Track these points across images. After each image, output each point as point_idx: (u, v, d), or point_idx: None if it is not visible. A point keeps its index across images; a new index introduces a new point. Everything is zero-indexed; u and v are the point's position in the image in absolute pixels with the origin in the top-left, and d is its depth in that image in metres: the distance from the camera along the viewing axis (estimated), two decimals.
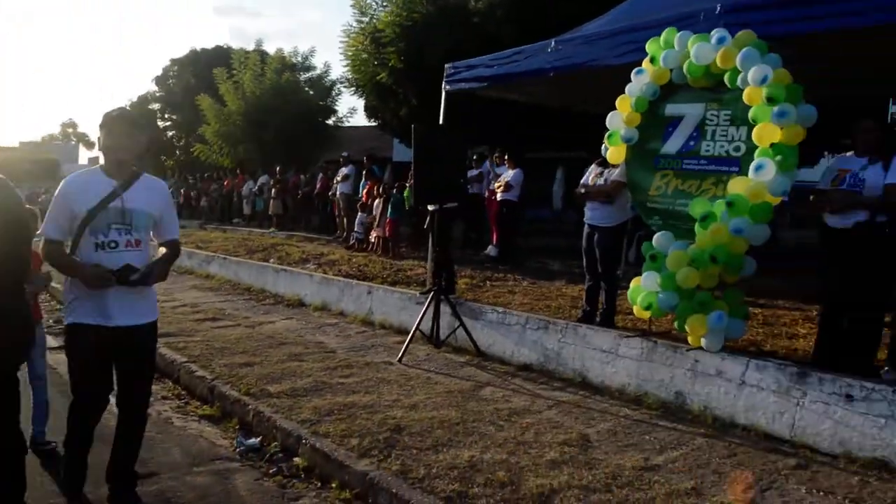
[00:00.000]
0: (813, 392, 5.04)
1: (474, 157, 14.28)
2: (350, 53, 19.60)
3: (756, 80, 5.40)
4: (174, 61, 44.41)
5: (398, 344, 7.50)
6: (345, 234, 16.59)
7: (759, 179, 5.43)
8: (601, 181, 7.28)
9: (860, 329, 5.47)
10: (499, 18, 15.17)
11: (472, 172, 13.64)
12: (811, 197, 5.73)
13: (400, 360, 7.12)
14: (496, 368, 6.97)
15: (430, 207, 8.14)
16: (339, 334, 8.51)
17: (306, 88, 29.14)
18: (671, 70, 6.13)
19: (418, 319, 7.50)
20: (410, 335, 7.38)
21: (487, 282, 10.26)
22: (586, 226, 7.42)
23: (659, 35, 6.13)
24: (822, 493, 4.29)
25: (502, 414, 5.61)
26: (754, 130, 5.49)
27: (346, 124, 30.05)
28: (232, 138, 27.37)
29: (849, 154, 5.74)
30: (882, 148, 5.51)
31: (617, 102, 6.53)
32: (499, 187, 12.66)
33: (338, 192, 16.92)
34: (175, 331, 8.68)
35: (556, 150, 19.05)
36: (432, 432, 5.20)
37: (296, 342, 8.11)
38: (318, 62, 64.19)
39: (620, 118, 6.53)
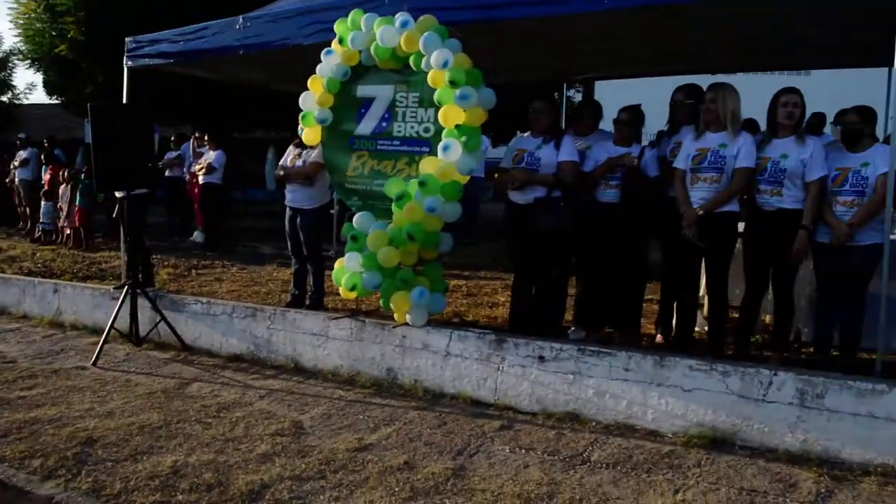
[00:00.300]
0: (510, 357, 5.29)
1: (172, 139, 13.40)
2: (22, 22, 17.50)
3: (438, 63, 5.49)
4: None
5: (93, 346, 6.79)
6: (28, 225, 14.91)
7: (447, 159, 5.55)
8: (300, 163, 7.10)
9: (548, 294, 5.85)
10: None
11: (171, 154, 12.81)
12: (495, 175, 6.01)
13: (94, 364, 6.44)
14: (204, 362, 6.56)
15: (117, 194, 7.43)
16: (22, 340, 7.48)
17: None
18: (360, 52, 6.05)
19: (112, 317, 6.82)
20: (105, 335, 6.70)
21: (193, 270, 9.74)
22: (288, 208, 7.23)
23: (346, 16, 6.01)
24: (524, 451, 4.51)
25: (210, 410, 5.29)
26: (440, 112, 5.60)
27: (26, 102, 26.86)
28: None
29: (526, 134, 6.06)
30: (554, 128, 5.88)
31: (309, 83, 6.35)
32: (200, 170, 12.00)
33: (16, 179, 15.05)
34: None
35: (267, 129, 18.60)
36: (131, 440, 4.76)
37: None
38: None
39: (313, 99, 6.36)
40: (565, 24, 6.74)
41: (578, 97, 15.52)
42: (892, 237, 4.96)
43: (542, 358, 5.18)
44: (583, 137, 6.21)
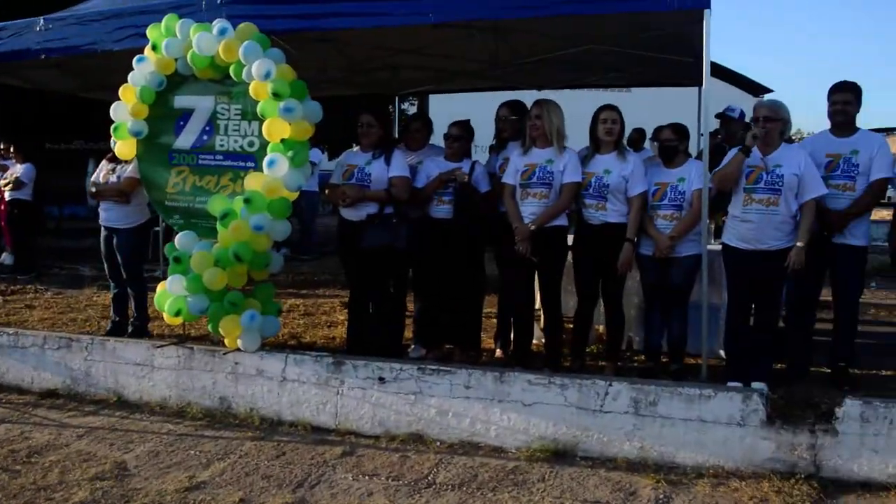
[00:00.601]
0: (350, 379, 5.12)
1: None
2: None
3: (260, 74, 5.21)
4: None
5: None
6: None
7: (274, 175, 5.28)
8: (114, 178, 6.57)
9: (385, 312, 5.69)
10: None
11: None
12: (326, 191, 5.79)
13: None
14: (13, 400, 5.88)
15: None
16: None
17: None
18: (176, 60, 5.64)
19: None
20: None
21: (0, 297, 8.80)
22: (102, 228, 6.68)
23: (160, 21, 5.58)
24: (367, 477, 4.33)
25: (20, 455, 4.72)
26: (264, 125, 5.32)
27: None
28: None
29: (356, 149, 5.87)
30: (384, 143, 5.73)
31: (121, 92, 5.84)
32: (7, 185, 10.94)
33: None
34: None
35: (85, 140, 17.29)
36: None
37: None
38: None
39: (126, 109, 5.85)
40: (393, 37, 6.75)
41: (413, 111, 15.48)
42: (709, 247, 5.16)
43: (382, 379, 5.04)
44: (414, 152, 6.08)
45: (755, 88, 28.20)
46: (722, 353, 5.49)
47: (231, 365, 5.44)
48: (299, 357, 5.31)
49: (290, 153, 5.24)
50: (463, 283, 5.68)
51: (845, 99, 5.17)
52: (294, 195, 5.39)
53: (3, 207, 11.20)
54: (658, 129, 6.28)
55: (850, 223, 5.09)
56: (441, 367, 5.00)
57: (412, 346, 6.06)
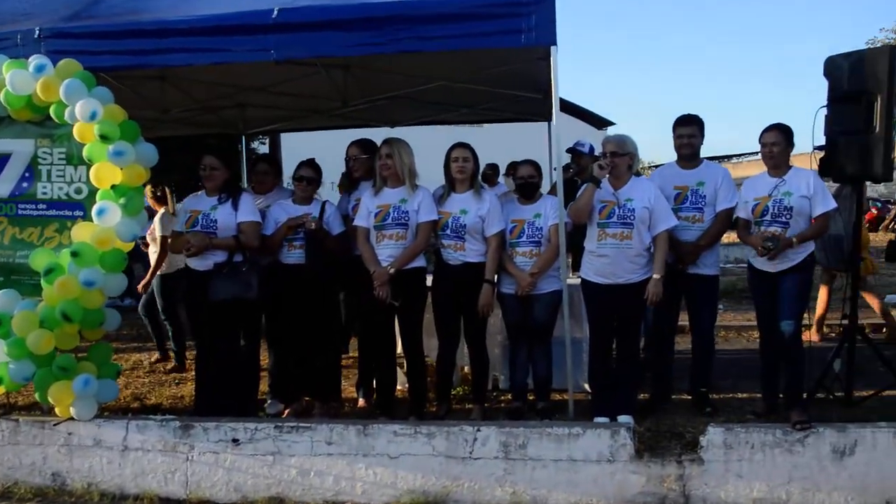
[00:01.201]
0: (201, 443, 4.71)
1: None
2: None
3: (84, 115, 4.73)
4: None
5: None
6: None
7: (104, 225, 4.78)
8: None
9: (236, 366, 5.26)
10: None
11: None
12: (168, 239, 5.33)
13: None
14: None
15: None
16: None
17: None
18: None
19: None
20: None
21: None
22: None
23: None
24: None
25: None
26: (92, 171, 4.83)
27: None
28: None
29: (199, 193, 5.45)
30: (230, 186, 5.35)
31: None
32: None
33: None
34: None
35: None
36: None
37: None
38: None
39: None
40: (237, 74, 6.44)
41: (265, 150, 14.87)
42: (569, 282, 5.09)
43: (236, 441, 4.66)
44: (262, 195, 5.70)
45: (599, 122, 29.34)
46: (587, 386, 5.41)
47: (64, 436, 4.90)
48: (142, 422, 4.84)
49: (122, 200, 4.76)
50: (319, 330, 5.32)
51: (690, 132, 5.25)
52: (128, 246, 4.91)
53: None
54: (514, 166, 6.25)
55: (700, 254, 5.15)
56: (300, 424, 4.67)
57: (269, 402, 5.62)
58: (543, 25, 4.50)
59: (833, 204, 4.89)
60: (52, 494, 4.78)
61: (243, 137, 8.88)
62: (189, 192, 5.77)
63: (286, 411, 5.46)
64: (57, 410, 4.96)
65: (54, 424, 4.89)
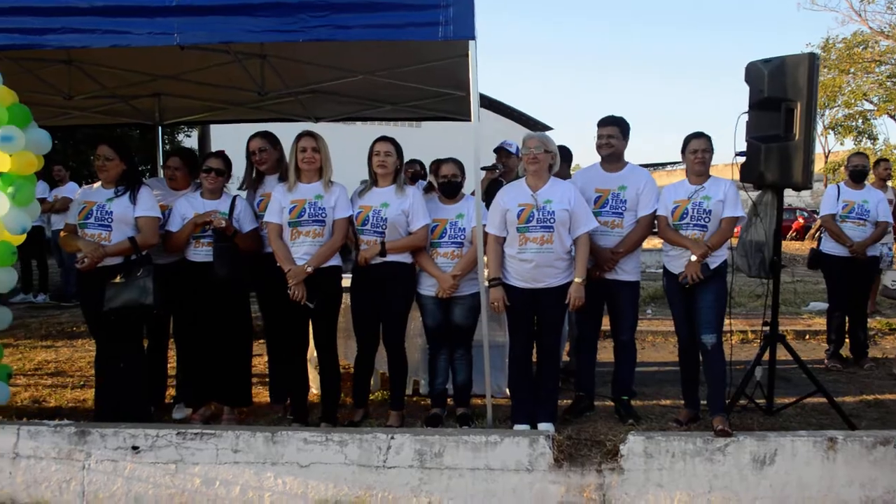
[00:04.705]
0: (98, 451, 4.24)
1: None
2: None
3: None
4: None
5: None
6: None
7: None
8: None
9: (135, 370, 4.73)
10: None
11: None
12: (60, 237, 4.78)
13: None
14: None
15: None
16: None
17: None
18: None
19: None
20: None
21: None
22: None
23: None
24: None
25: None
26: None
27: None
28: None
29: (96, 185, 4.87)
30: (128, 178, 4.79)
31: None
32: None
33: None
34: None
35: None
36: None
37: None
38: None
39: None
40: (145, 60, 5.92)
41: (191, 143, 13.99)
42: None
43: (136, 448, 4.21)
44: (176, 192, 5.16)
45: (535, 126, 28.61)
46: (508, 391, 5.07)
47: None
48: (35, 428, 4.33)
49: (10, 189, 4.25)
50: (227, 332, 4.83)
51: (609, 133, 4.96)
52: (18, 239, 4.41)
53: None
54: (437, 164, 5.87)
55: (619, 260, 4.88)
56: (204, 431, 4.24)
57: (175, 406, 5.11)
58: (461, 18, 4.16)
59: (741, 213, 4.71)
60: None
61: (160, 129, 8.24)
62: None
63: (193, 416, 4.96)
64: None
65: None
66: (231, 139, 8.28)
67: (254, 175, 5.15)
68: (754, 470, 3.99)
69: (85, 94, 6.71)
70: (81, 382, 5.97)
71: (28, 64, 5.66)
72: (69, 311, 8.92)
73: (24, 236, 4.47)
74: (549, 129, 29.45)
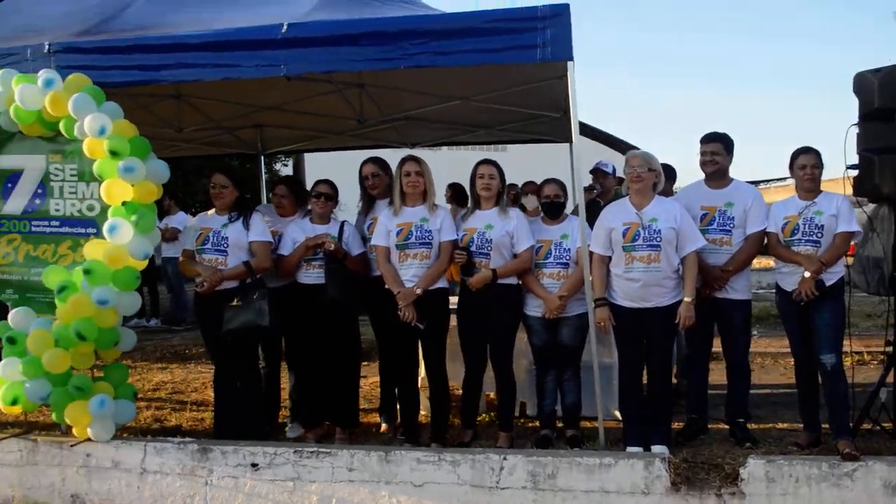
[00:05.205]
0: (219, 467, 4.36)
1: None
2: None
3: (93, 130, 4.38)
4: None
5: None
6: None
7: (117, 242, 4.43)
8: None
9: (253, 390, 4.86)
10: None
11: None
12: (179, 262, 5.00)
13: None
14: None
15: None
16: None
17: None
18: None
19: None
20: None
21: None
22: None
23: None
24: None
25: None
26: (102, 187, 4.49)
27: None
28: None
29: (210, 212, 5.08)
30: (240, 204, 4.98)
31: None
32: None
33: None
34: None
35: None
36: None
37: None
38: None
39: None
40: (250, 92, 6.08)
41: (288, 171, 14.38)
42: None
43: (255, 465, 4.30)
44: (284, 219, 5.29)
45: (621, 146, 27.90)
46: (618, 413, 4.94)
47: (82, 457, 4.59)
48: (160, 445, 4.50)
49: (133, 217, 4.41)
50: (338, 353, 4.90)
51: (713, 149, 4.83)
52: (142, 264, 4.56)
53: None
54: (537, 185, 5.81)
55: (729, 279, 4.72)
56: (320, 449, 4.31)
57: (289, 426, 5.20)
58: (559, 40, 4.15)
59: (856, 227, 4.49)
60: None
61: (262, 158, 8.51)
62: None
63: (307, 435, 5.02)
64: (74, 431, 4.63)
65: (72, 445, 4.58)
66: (325, 166, 8.48)
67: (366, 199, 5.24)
68: (886, 495, 3.77)
69: (194, 127, 7.00)
70: (199, 402, 6.16)
71: (142, 100, 5.93)
72: (180, 335, 9.26)
73: (147, 262, 4.63)
74: (634, 147, 28.61)
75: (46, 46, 4.70)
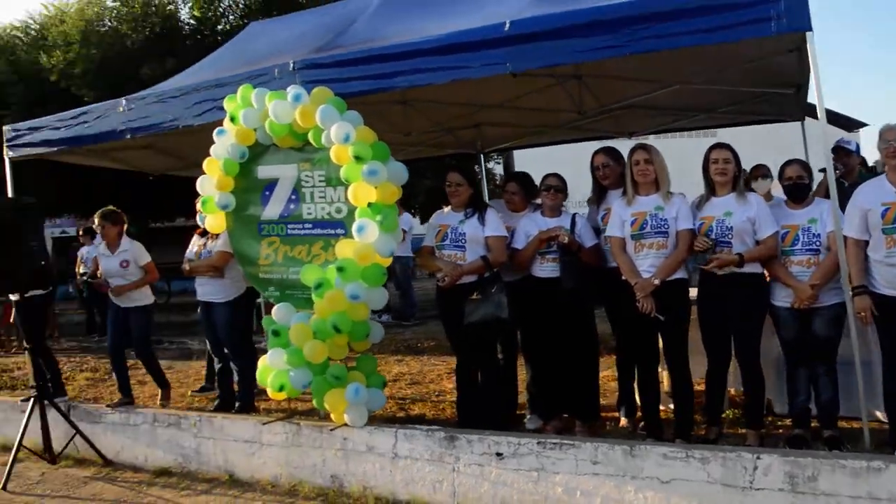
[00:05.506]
0: (465, 455, 4.49)
1: (80, 233, 12.05)
2: None
3: (339, 138, 4.71)
4: None
5: (2, 466, 5.55)
6: None
7: (364, 241, 4.72)
8: (206, 253, 6.14)
9: (494, 381, 4.99)
10: (77, 77, 12.99)
11: (87, 249, 11.39)
12: (417, 259, 5.21)
13: (4, 488, 5.32)
14: (128, 479, 5.45)
15: (11, 298, 6.23)
16: None
17: None
18: (255, 130, 5.19)
19: (20, 433, 5.62)
20: (13, 454, 5.52)
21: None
22: (201, 303, 6.23)
23: (235, 92, 5.17)
24: None
25: None
26: (349, 190, 4.80)
27: None
28: None
29: (446, 210, 5.27)
30: (475, 201, 5.13)
31: (205, 166, 5.43)
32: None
33: None
34: None
35: (187, 217, 17.08)
36: None
37: None
38: None
39: (212, 183, 5.42)
40: (473, 92, 6.20)
41: (499, 169, 14.69)
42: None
43: (500, 454, 4.38)
44: (516, 214, 5.38)
45: (848, 124, 25.34)
46: (880, 415, 4.53)
47: (340, 441, 4.92)
48: (409, 432, 4.73)
49: (378, 217, 4.69)
50: (575, 345, 4.91)
51: None
52: (387, 261, 4.83)
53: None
54: (765, 168, 5.49)
55: None
56: (563, 441, 4.30)
57: (528, 417, 5.30)
58: (795, 9, 3.80)
59: None
60: (332, 495, 4.79)
61: (482, 156, 8.71)
62: (432, 212, 5.65)
63: (546, 428, 5.09)
64: (332, 416, 4.99)
65: (331, 430, 4.92)
66: (533, 162, 8.54)
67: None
68: None
69: (420, 131, 7.29)
70: (437, 392, 6.45)
71: (373, 107, 6.27)
72: (411, 330, 9.74)
73: (391, 259, 4.89)
74: (863, 125, 26.10)
75: (291, 65, 5.10)
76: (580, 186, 5.79)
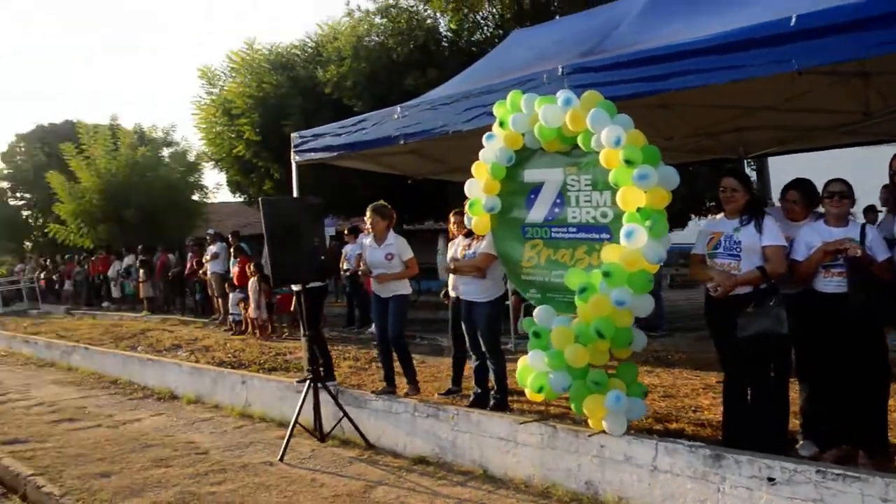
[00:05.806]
0: (732, 476, 4.21)
1: (346, 232, 13.09)
2: (203, 126, 18.00)
3: (610, 141, 4.63)
4: (20, 136, 38.42)
5: (280, 439, 6.19)
6: (221, 315, 14.92)
7: (632, 247, 4.62)
8: (470, 253, 6.37)
9: (765, 400, 4.65)
10: (349, 89, 14.16)
11: (351, 247, 12.41)
12: (691, 269, 4.99)
13: (281, 460, 5.88)
14: (389, 463, 5.79)
15: (294, 288, 6.92)
16: (214, 431, 7.04)
17: (168, 163, 26.09)
18: (523, 134, 5.29)
19: (296, 412, 6.24)
20: (289, 431, 6.12)
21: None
22: (462, 302, 6.48)
23: (505, 98, 5.30)
24: None
25: None
26: (618, 195, 4.71)
27: (215, 200, 27.84)
28: (90, 217, 23.43)
29: (719, 216, 5.02)
30: (752, 208, 4.81)
31: (473, 169, 5.63)
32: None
33: (209, 272, 15.11)
34: (25, 436, 7.09)
35: (435, 220, 18.04)
36: None
37: (164, 443, 6.64)
38: (178, 136, 56.31)
39: (479, 186, 5.61)
40: (742, 94, 5.86)
41: (753, 175, 13.88)
42: None
43: (771, 479, 4.06)
44: (794, 224, 5.01)
45: None
46: None
47: (596, 448, 4.83)
48: (671, 445, 4.53)
49: (647, 223, 4.56)
50: (860, 368, 4.45)
51: None
52: (655, 268, 4.68)
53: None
54: None
55: None
56: (848, 472, 3.88)
57: (801, 442, 4.89)
58: None
59: None
60: (586, 502, 4.74)
61: (745, 163, 8.22)
62: (680, 220, 5.38)
63: (823, 456, 4.66)
64: (590, 423, 4.94)
65: (589, 436, 4.86)
66: (791, 170, 7.84)
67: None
68: None
69: (682, 135, 7.04)
70: (693, 407, 6.19)
71: (634, 111, 6.15)
72: (659, 341, 9.41)
73: (659, 266, 4.73)
74: None
75: (560, 69, 5.11)
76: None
